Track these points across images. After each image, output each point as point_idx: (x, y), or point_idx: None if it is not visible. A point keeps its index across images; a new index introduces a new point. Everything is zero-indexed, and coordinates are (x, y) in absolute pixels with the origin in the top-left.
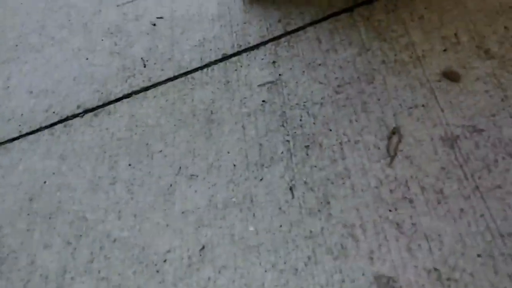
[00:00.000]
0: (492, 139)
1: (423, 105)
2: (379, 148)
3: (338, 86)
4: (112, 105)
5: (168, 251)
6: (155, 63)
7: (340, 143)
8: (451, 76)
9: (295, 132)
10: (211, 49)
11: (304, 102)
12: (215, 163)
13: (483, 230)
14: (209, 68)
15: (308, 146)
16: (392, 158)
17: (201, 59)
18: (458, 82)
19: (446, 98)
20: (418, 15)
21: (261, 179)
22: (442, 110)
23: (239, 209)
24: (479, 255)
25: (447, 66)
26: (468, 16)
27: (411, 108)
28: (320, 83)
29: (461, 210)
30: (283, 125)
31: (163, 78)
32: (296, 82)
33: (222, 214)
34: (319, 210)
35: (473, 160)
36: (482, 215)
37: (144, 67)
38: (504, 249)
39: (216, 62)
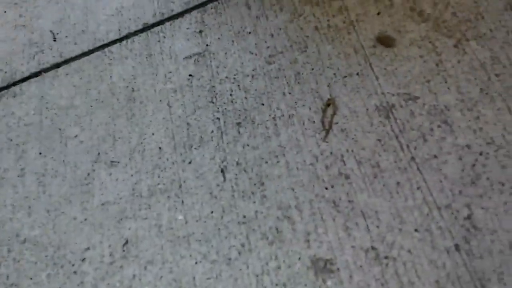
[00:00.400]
0: (428, 106)
1: (357, 74)
2: (314, 122)
3: (270, 56)
4: (18, 86)
5: (87, 249)
6: (66, 36)
7: (274, 118)
8: (385, 41)
9: (226, 109)
10: (130, 19)
11: (235, 75)
12: (138, 147)
13: (420, 203)
14: (129, 40)
15: (240, 123)
16: (327, 131)
17: (119, 30)
18: (392, 47)
19: (381, 65)
20: None
21: (189, 162)
22: (377, 78)
23: (166, 196)
24: (416, 230)
25: (381, 30)
26: None
27: (345, 77)
28: (251, 53)
29: (398, 183)
30: (212, 101)
31: (77, 53)
32: (225, 53)
33: (147, 203)
34: (252, 193)
35: (408, 129)
36: (418, 188)
37: (54, 41)
38: (441, 222)
39: (136, 33)
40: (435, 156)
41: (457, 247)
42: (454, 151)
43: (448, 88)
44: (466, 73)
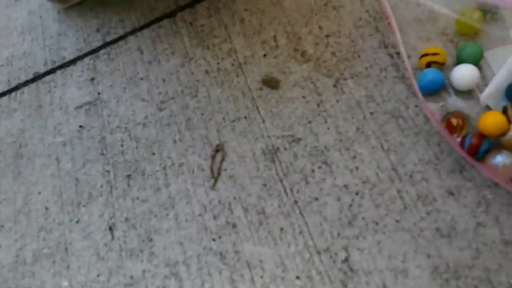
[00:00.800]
0: (309, 148)
1: (245, 117)
2: (203, 170)
3: (162, 102)
4: None
5: None
6: None
7: (164, 168)
8: (271, 83)
9: (116, 160)
10: (20, 68)
11: (126, 124)
12: (23, 208)
13: (302, 248)
14: (18, 92)
15: (130, 175)
16: (216, 179)
17: (8, 81)
18: (277, 89)
19: (267, 108)
20: (239, 18)
21: (77, 221)
22: (263, 121)
23: (51, 261)
24: (298, 277)
25: (267, 72)
26: (285, 17)
27: (234, 121)
28: (143, 100)
29: (281, 229)
30: (102, 153)
31: None
32: (117, 101)
33: (31, 270)
34: (141, 250)
35: (292, 172)
36: (300, 232)
37: None
38: (321, 267)
39: (26, 83)
40: (316, 199)
41: None
42: (333, 192)
43: (328, 128)
44: (344, 112)
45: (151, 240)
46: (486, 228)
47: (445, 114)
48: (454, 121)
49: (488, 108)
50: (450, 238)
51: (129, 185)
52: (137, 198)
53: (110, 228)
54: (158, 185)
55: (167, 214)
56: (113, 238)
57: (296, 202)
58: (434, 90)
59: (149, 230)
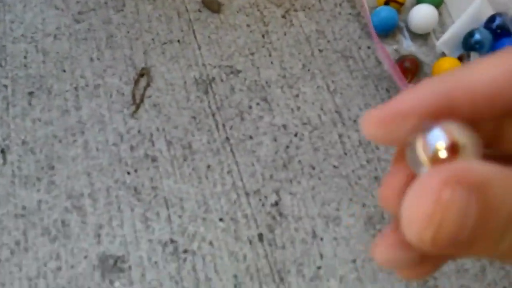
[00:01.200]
0: (249, 81)
1: (178, 41)
2: (123, 94)
3: (79, 13)
4: None
5: None
6: None
7: (76, 88)
8: (212, 5)
9: (17, 74)
10: None
11: (33, 33)
12: None
13: (229, 189)
14: None
15: (33, 92)
16: (137, 106)
17: None
18: (219, 13)
19: (204, 33)
20: None
21: None
22: (199, 47)
23: None
24: (221, 219)
25: None
26: None
27: (165, 44)
28: (57, 8)
29: (208, 167)
30: (1, 65)
31: None
32: (24, 6)
33: None
34: (38, 179)
35: (226, 107)
36: (229, 172)
37: None
38: (248, 209)
39: None
40: (251, 137)
41: (260, 237)
42: (270, 132)
43: (272, 63)
44: (291, 47)
45: (52, 168)
46: None
47: (398, 58)
48: (407, 64)
49: (443, 55)
50: None
51: (30, 104)
52: (39, 120)
53: (3, 151)
54: (67, 106)
55: (75, 141)
56: (5, 162)
57: (227, 139)
58: (386, 30)
59: (51, 156)
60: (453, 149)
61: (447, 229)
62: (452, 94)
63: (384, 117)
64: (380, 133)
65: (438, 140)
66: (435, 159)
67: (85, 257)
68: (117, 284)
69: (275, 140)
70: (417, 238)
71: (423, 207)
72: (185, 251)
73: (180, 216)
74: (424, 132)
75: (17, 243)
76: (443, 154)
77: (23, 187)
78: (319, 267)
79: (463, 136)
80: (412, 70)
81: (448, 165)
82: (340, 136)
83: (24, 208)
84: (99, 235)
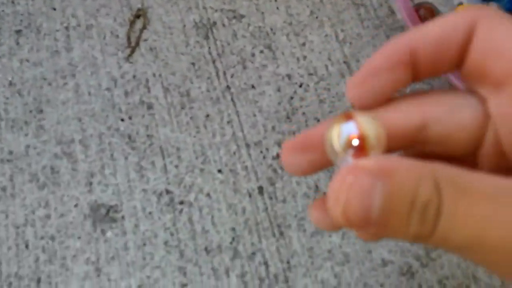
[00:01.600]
0: (252, 27)
1: None
2: (117, 36)
3: None
4: None
5: None
6: None
7: (67, 28)
8: None
9: (3, 11)
10: None
11: None
12: None
13: (229, 140)
14: None
15: (21, 31)
16: (133, 49)
17: None
18: None
19: None
20: None
21: None
22: None
23: None
24: (220, 171)
25: None
26: None
27: None
28: None
29: (207, 116)
30: None
31: None
32: None
33: None
34: (26, 123)
35: (228, 53)
36: (229, 122)
37: None
38: (248, 161)
39: None
40: (253, 86)
41: (260, 189)
42: (274, 81)
43: (278, 8)
44: None
45: (40, 111)
46: None
47: (413, 5)
48: (422, 12)
49: (461, 4)
50: None
51: (18, 43)
52: (27, 60)
53: None
54: (57, 47)
55: (65, 84)
56: None
57: (228, 87)
58: None
59: (40, 99)
60: (362, 139)
61: (352, 208)
62: (411, 46)
63: (362, 78)
64: (360, 92)
65: (351, 132)
66: (347, 148)
67: (76, 205)
68: (109, 234)
69: (278, 90)
70: (331, 213)
71: (333, 189)
72: (181, 202)
73: (176, 166)
74: (340, 125)
75: (3, 189)
76: (355, 142)
77: (9, 131)
78: None
79: (371, 128)
80: (427, 18)
81: (359, 155)
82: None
83: (11, 153)
84: (90, 183)
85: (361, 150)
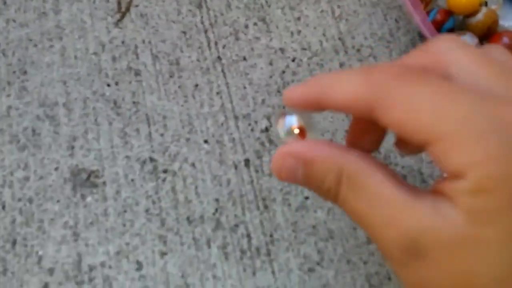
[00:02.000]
0: None
1: None
2: (108, 1)
3: None
4: None
5: None
6: None
7: None
8: None
9: None
10: None
11: None
12: None
13: (217, 111)
14: None
15: None
16: (123, 14)
17: None
18: None
19: None
20: None
21: None
22: None
23: None
24: (206, 141)
25: None
26: None
27: None
28: None
29: (196, 86)
30: None
31: None
32: None
33: None
34: (9, 83)
35: (221, 24)
36: (218, 93)
37: None
38: (236, 133)
39: None
40: (244, 58)
41: (247, 162)
42: (266, 54)
43: None
44: None
45: (24, 73)
46: None
47: None
48: None
49: None
50: None
51: (5, 3)
52: (14, 21)
53: None
54: (45, 9)
55: (51, 46)
56: None
57: (219, 58)
58: None
59: (24, 61)
60: (300, 129)
61: (284, 173)
62: (320, 97)
63: (290, 98)
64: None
65: (291, 123)
66: (288, 135)
67: (56, 168)
68: (89, 199)
69: (270, 63)
70: (273, 173)
71: (274, 161)
72: (165, 171)
73: (162, 135)
74: (284, 116)
75: None
76: (295, 131)
77: None
78: (306, 198)
79: (307, 121)
80: None
81: (294, 143)
82: (341, 65)
83: None
84: (72, 147)
85: (301, 135)
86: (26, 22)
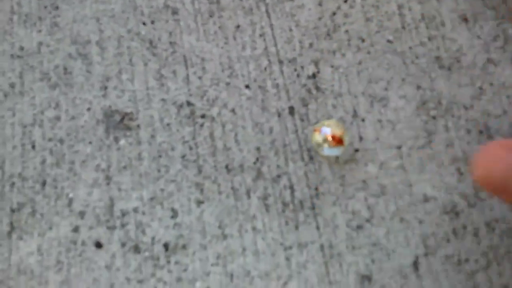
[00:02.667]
0: None
1: None
2: None
3: None
4: None
5: None
6: None
7: None
8: None
9: None
10: None
11: None
12: None
13: (260, 54)
14: None
15: None
16: None
17: None
18: None
19: None
20: None
21: None
22: None
23: None
24: (247, 86)
25: None
26: None
27: None
28: None
29: (238, 27)
30: None
31: None
32: None
33: None
34: (40, 18)
35: None
36: (262, 35)
37: None
38: (280, 79)
39: None
40: None
41: (291, 110)
42: None
43: None
44: None
45: (56, 8)
46: (497, 67)
47: None
48: None
49: None
50: (450, 71)
51: None
52: None
53: None
54: None
55: None
56: None
57: None
58: None
59: None
60: (334, 137)
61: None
62: None
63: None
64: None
65: (326, 132)
66: (326, 142)
67: (88, 109)
68: (122, 142)
69: (319, 4)
70: (476, 175)
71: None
72: (203, 116)
73: (200, 78)
74: (320, 128)
75: (12, 85)
76: (330, 139)
77: (22, 26)
78: (356, 150)
79: (340, 131)
80: None
81: (335, 144)
82: (399, 7)
83: (22, 48)
84: (105, 88)
85: (337, 141)
86: None
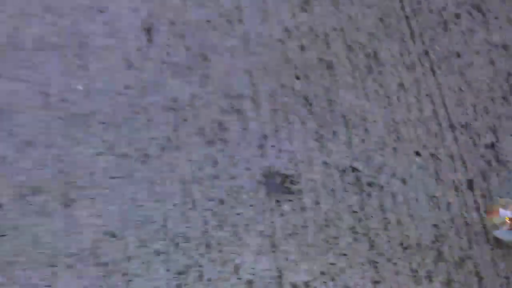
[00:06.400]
0: None
1: None
2: None
3: None
4: None
5: None
6: None
7: None
8: None
9: None
10: None
11: None
12: None
13: (427, 117)
14: None
15: None
16: None
17: None
18: None
19: None
20: None
21: (100, 11)
22: None
23: (61, 54)
24: (417, 153)
25: None
26: None
27: None
28: None
29: (400, 85)
30: None
31: None
32: None
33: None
34: (190, 69)
35: (425, 11)
36: (428, 95)
37: None
38: (453, 146)
39: None
40: (458, 55)
41: (470, 183)
42: (484, 50)
43: None
44: None
45: (205, 58)
46: None
47: None
48: None
49: None
50: None
51: None
52: None
53: (148, 30)
54: None
55: (233, 29)
56: (151, 41)
57: (426, 52)
58: None
59: (204, 44)
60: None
61: None
62: None
63: None
64: None
65: (505, 215)
66: (503, 224)
67: (247, 168)
68: (285, 207)
69: (491, 62)
70: None
71: None
72: (370, 184)
73: (363, 141)
74: (499, 211)
75: (168, 139)
76: (508, 221)
77: (171, 76)
78: None
79: None
80: None
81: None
82: None
83: (175, 100)
84: (263, 146)
85: None
86: (202, 1)
